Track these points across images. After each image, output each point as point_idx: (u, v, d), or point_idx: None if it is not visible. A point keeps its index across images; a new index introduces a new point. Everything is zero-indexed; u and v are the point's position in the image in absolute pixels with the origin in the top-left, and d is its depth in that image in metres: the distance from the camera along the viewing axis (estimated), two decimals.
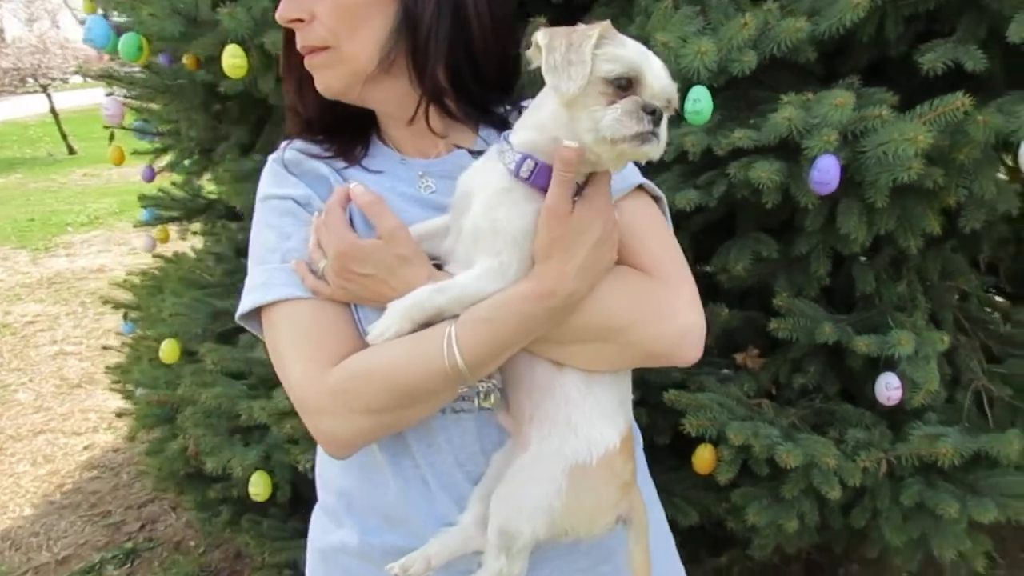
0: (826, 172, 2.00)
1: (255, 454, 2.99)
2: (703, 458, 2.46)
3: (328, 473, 1.52)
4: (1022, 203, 2.37)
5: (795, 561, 3.59)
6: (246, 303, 1.38)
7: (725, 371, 2.80)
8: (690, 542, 2.50)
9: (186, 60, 3.19)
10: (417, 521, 1.36)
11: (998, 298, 3.41)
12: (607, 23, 1.19)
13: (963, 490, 2.38)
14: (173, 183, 4.57)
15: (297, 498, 3.25)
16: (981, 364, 2.70)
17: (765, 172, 2.09)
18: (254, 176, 3.35)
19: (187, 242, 4.80)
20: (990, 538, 2.63)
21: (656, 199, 1.47)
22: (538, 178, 1.22)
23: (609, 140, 1.13)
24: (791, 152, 2.17)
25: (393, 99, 1.43)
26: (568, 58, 1.14)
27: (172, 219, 4.54)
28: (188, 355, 3.49)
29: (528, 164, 1.22)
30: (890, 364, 2.46)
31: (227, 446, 3.14)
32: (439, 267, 1.34)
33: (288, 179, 1.45)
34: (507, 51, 1.42)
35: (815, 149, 2.02)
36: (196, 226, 4.69)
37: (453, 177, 1.39)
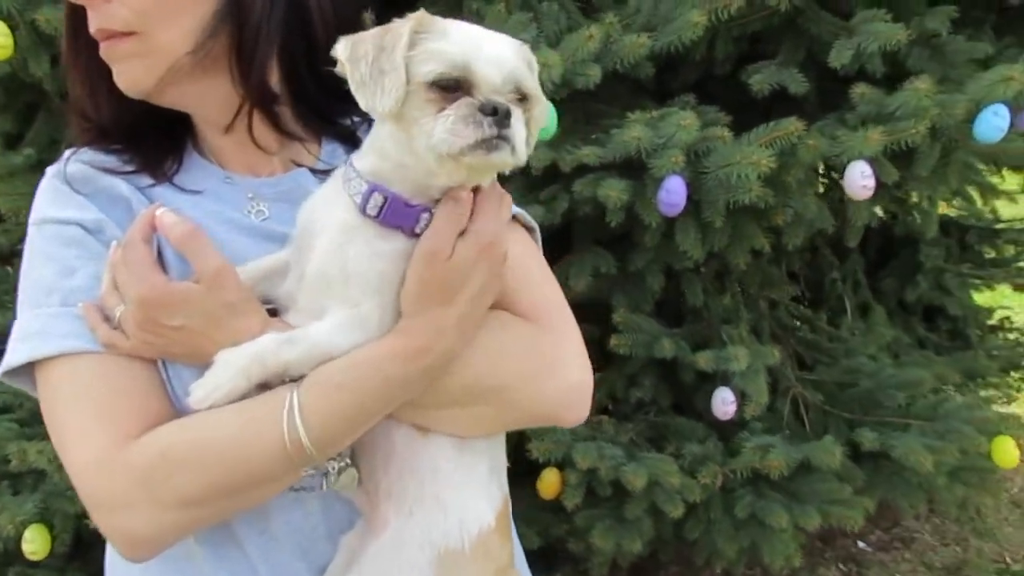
0: (675, 193, 1.98)
1: (30, 506, 2.53)
2: (549, 483, 2.39)
3: (120, 568, 1.22)
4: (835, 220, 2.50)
5: (622, 570, 3.65)
6: (16, 355, 1.08)
7: None
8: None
9: None
10: None
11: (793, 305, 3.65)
12: (420, 13, 0.98)
13: (788, 498, 2.48)
14: None
15: (78, 542, 2.82)
16: (795, 372, 2.85)
17: (614, 191, 2.03)
18: (24, 173, 2.85)
19: None
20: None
21: (529, 229, 1.28)
22: (390, 216, 1.00)
23: (448, 156, 0.93)
24: (635, 170, 2.14)
25: (213, 103, 1.17)
26: (380, 67, 0.94)
27: None
28: None
29: (376, 199, 1.00)
30: (723, 377, 2.52)
31: None
32: (272, 312, 1.09)
33: (72, 199, 1.15)
34: None
35: (663, 169, 2.00)
36: None
37: (290, 201, 1.15)
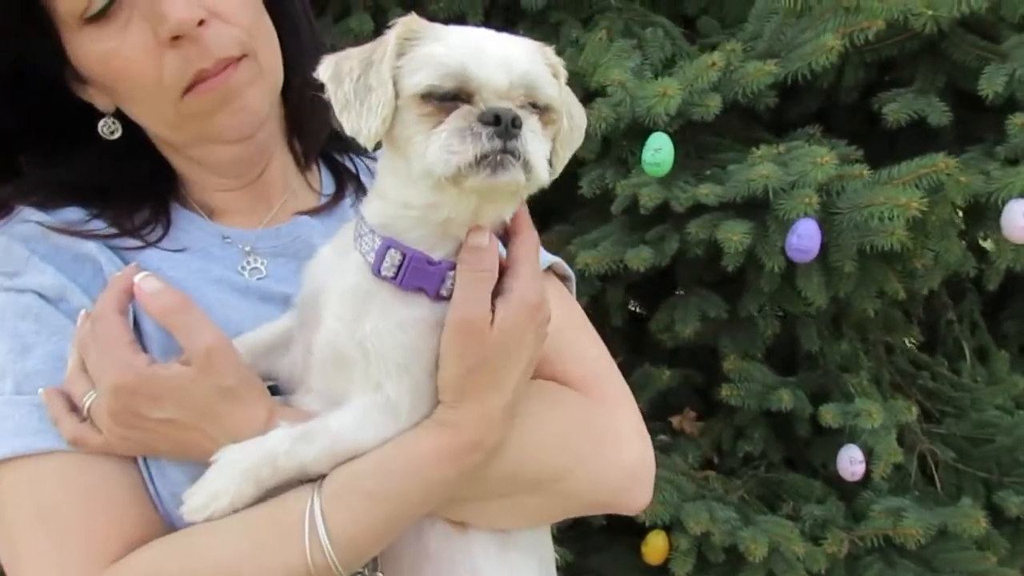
0: (808, 238, 1.79)
1: None
2: (656, 548, 2.19)
3: None
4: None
5: None
6: None
7: (662, 437, 2.56)
8: None
9: None
10: None
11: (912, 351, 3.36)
12: (409, 16, 0.83)
13: (922, 567, 2.24)
14: None
15: None
16: (921, 425, 2.59)
17: (736, 234, 1.85)
18: None
19: None
20: None
21: (563, 278, 1.14)
22: (410, 277, 0.84)
23: (446, 179, 0.77)
24: (755, 208, 1.95)
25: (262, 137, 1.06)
26: (366, 84, 0.80)
27: None
28: None
29: (392, 257, 0.84)
30: (848, 433, 2.29)
31: None
32: (273, 389, 0.94)
33: (27, 260, 0.96)
34: None
35: (794, 211, 1.80)
36: None
37: (290, 255, 1.03)
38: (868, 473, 2.31)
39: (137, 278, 0.89)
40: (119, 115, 1.01)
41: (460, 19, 2.49)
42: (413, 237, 0.85)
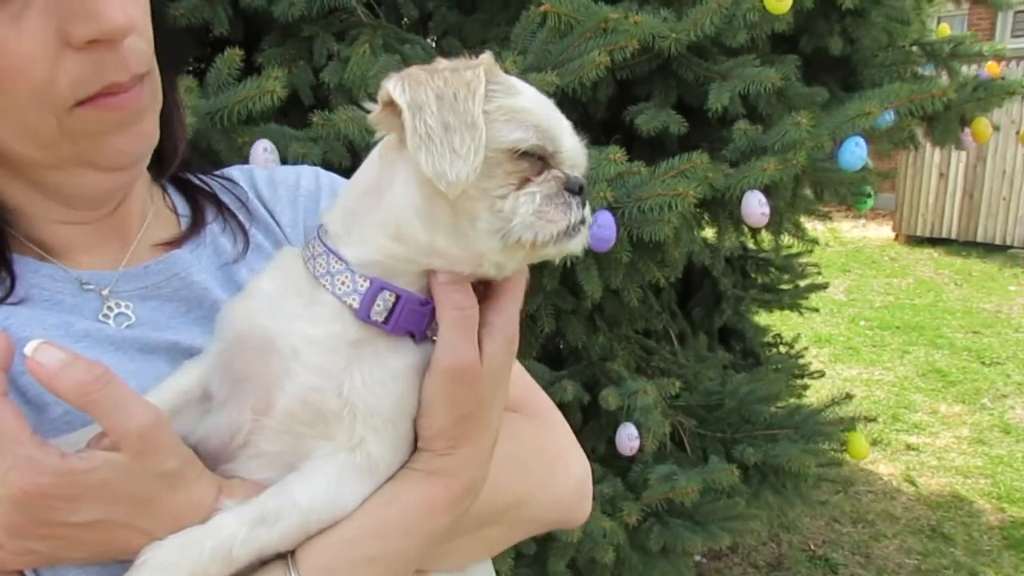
0: (607, 228, 1.96)
1: None
2: None
3: None
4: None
5: None
6: None
7: None
8: None
9: None
10: None
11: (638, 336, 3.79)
12: (488, 57, 0.76)
13: (690, 521, 2.53)
14: None
15: None
16: (668, 398, 2.93)
17: None
18: None
19: None
20: None
21: None
22: (404, 322, 0.78)
23: (529, 245, 0.74)
24: None
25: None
26: (444, 121, 0.71)
27: None
28: None
29: (385, 299, 0.77)
30: (617, 414, 2.52)
31: None
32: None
33: None
34: None
35: (591, 205, 1.96)
36: None
37: (165, 297, 0.89)
38: (640, 448, 2.57)
39: (28, 350, 0.67)
40: None
41: (204, 28, 2.31)
42: (402, 280, 0.77)
